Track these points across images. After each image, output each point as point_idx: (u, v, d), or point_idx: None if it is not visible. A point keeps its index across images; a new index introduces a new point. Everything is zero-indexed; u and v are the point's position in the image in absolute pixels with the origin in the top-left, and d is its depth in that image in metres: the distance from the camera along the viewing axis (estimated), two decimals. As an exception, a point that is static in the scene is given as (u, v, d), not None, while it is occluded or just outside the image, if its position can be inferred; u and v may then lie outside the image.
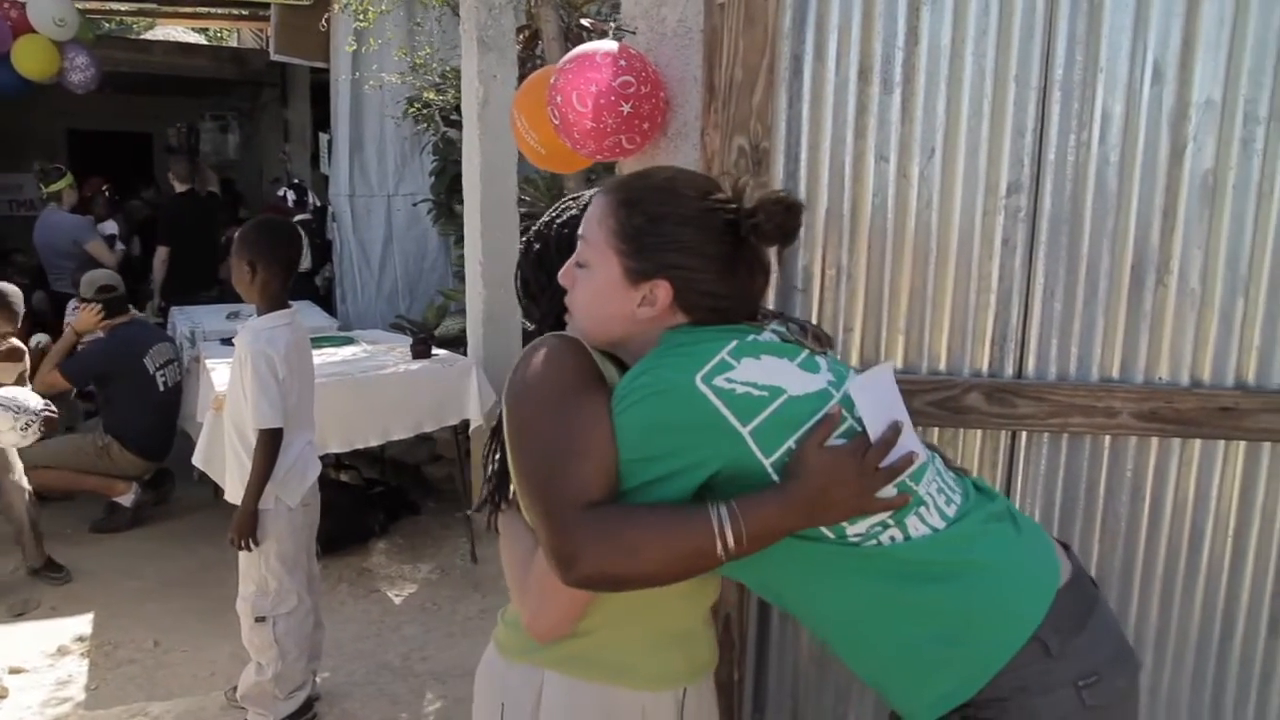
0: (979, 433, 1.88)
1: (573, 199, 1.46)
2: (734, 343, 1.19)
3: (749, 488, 1.15)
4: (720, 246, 1.23)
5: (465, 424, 4.33)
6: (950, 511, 1.23)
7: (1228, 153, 1.79)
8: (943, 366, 1.88)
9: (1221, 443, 1.86)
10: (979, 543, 1.23)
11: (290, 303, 2.84)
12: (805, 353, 1.24)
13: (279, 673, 2.77)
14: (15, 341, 3.99)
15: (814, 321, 1.70)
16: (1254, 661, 1.92)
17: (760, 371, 1.17)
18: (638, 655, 1.32)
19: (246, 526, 2.69)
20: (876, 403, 1.18)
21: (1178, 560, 1.90)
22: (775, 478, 1.15)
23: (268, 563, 2.75)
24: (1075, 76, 1.80)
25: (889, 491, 1.17)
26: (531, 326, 1.46)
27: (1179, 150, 1.79)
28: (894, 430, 1.18)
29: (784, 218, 1.23)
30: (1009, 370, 1.87)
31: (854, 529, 1.18)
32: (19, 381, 3.94)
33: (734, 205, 1.24)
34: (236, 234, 2.79)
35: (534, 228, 1.47)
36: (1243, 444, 1.86)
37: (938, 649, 1.19)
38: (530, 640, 1.32)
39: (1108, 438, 1.86)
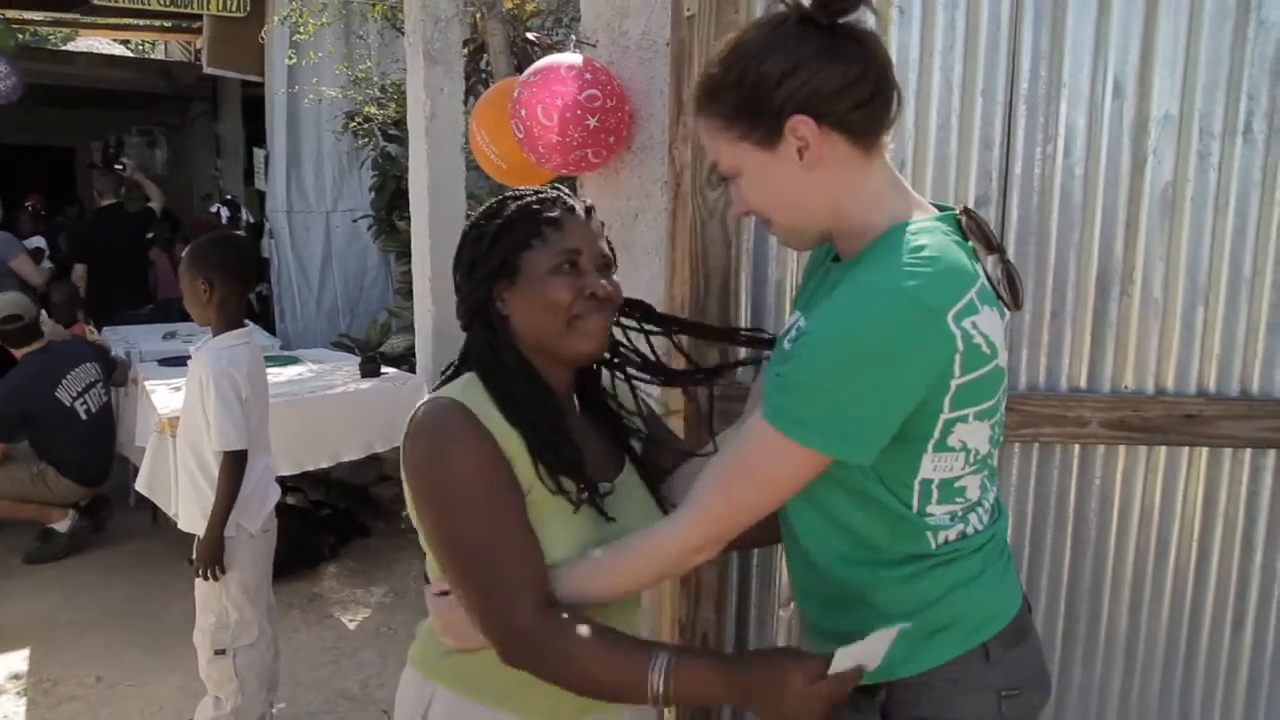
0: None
1: (502, 200, 1.34)
2: (978, 284, 1.12)
3: (908, 438, 1.12)
4: (813, 43, 1.13)
5: (415, 443, 4.25)
6: (986, 519, 1.27)
7: (1186, 166, 1.83)
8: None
9: (1185, 449, 1.90)
10: (991, 555, 1.27)
11: (245, 321, 2.76)
12: (1007, 316, 1.21)
13: (238, 706, 2.68)
14: None
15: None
16: (1220, 660, 1.96)
17: (991, 325, 1.11)
18: (525, 684, 1.22)
19: (212, 555, 2.59)
20: (855, 652, 1.09)
21: (1145, 565, 1.94)
22: (937, 432, 1.12)
23: (229, 593, 2.64)
24: (1040, 91, 1.83)
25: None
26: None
27: (1140, 163, 1.83)
28: (856, 674, 1.10)
29: None
30: (981, 381, 1.88)
31: (932, 509, 1.19)
32: None
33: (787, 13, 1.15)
34: (186, 251, 2.69)
35: (481, 212, 1.37)
36: (1205, 450, 1.90)
37: (920, 623, 1.18)
38: (430, 653, 1.34)
39: (1077, 446, 1.89)
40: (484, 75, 5.10)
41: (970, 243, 1.20)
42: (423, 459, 1.21)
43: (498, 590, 1.17)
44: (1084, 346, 1.87)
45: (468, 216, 4.90)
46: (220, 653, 2.65)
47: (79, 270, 6.58)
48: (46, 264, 6.90)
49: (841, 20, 1.13)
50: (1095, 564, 1.94)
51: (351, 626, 3.83)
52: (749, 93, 1.14)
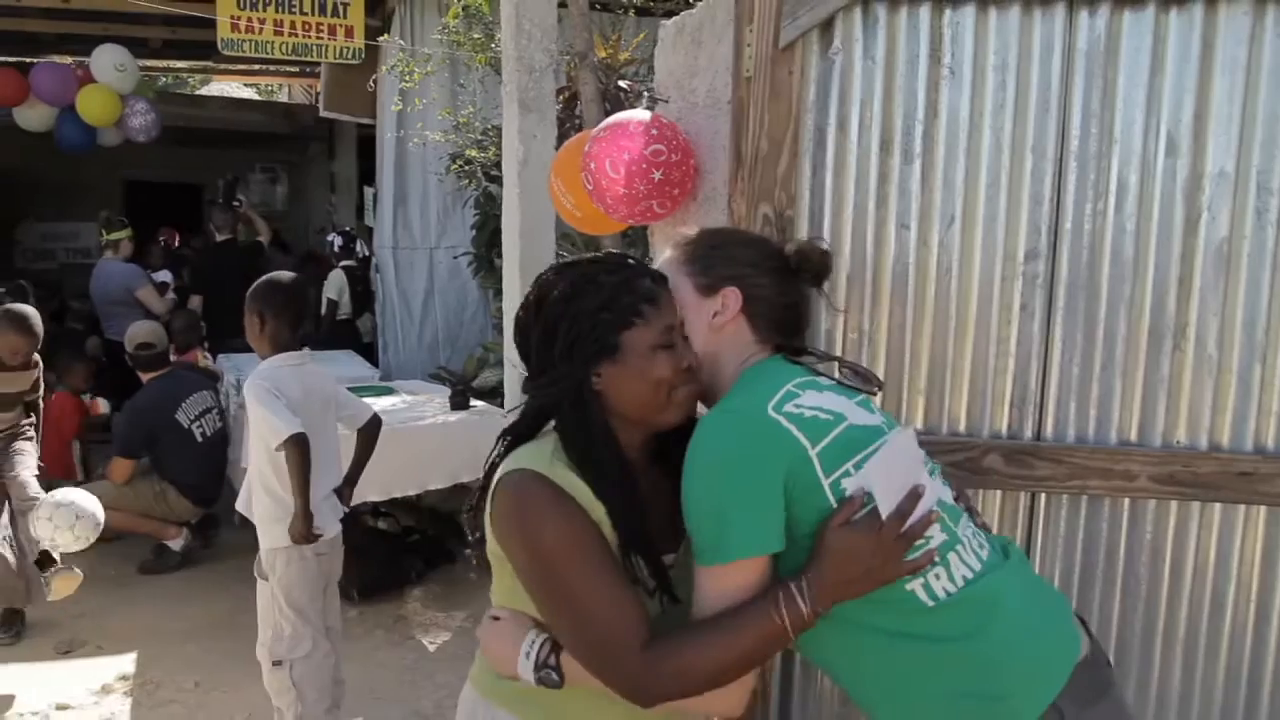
0: (998, 494, 1.91)
1: (582, 273, 1.36)
2: (799, 378, 1.35)
3: (806, 510, 1.26)
4: (774, 263, 1.48)
5: (502, 474, 4.38)
6: (984, 555, 1.32)
7: (1242, 222, 1.83)
8: (962, 428, 1.93)
9: (1242, 507, 1.88)
10: (1012, 595, 1.30)
11: (305, 349, 2.97)
12: (861, 395, 1.41)
13: (299, 715, 2.82)
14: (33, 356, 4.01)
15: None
16: (1279, 725, 1.92)
17: (824, 400, 1.32)
18: (588, 708, 1.35)
19: (303, 527, 2.75)
20: (889, 473, 1.26)
21: (1199, 624, 1.91)
22: (830, 496, 1.26)
23: (280, 607, 2.82)
24: (1091, 148, 1.85)
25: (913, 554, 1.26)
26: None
27: (1194, 220, 1.84)
28: (912, 499, 1.25)
29: (819, 256, 1.52)
30: (1028, 432, 1.91)
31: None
32: (28, 392, 4.01)
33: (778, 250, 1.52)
34: (249, 290, 2.90)
35: (556, 292, 1.36)
36: (1263, 508, 1.87)
37: (976, 704, 1.24)
38: (490, 675, 1.41)
39: (1126, 500, 1.89)
40: (577, 121, 5.28)
41: (797, 362, 1.45)
42: (521, 530, 1.29)
43: (608, 645, 1.24)
44: (1134, 400, 1.88)
45: (559, 256, 5.06)
46: (278, 664, 2.83)
47: (195, 301, 7.00)
48: (171, 295, 7.37)
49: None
50: (1146, 619, 1.92)
51: (431, 649, 3.97)
52: (715, 257, 1.47)
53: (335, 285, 7.11)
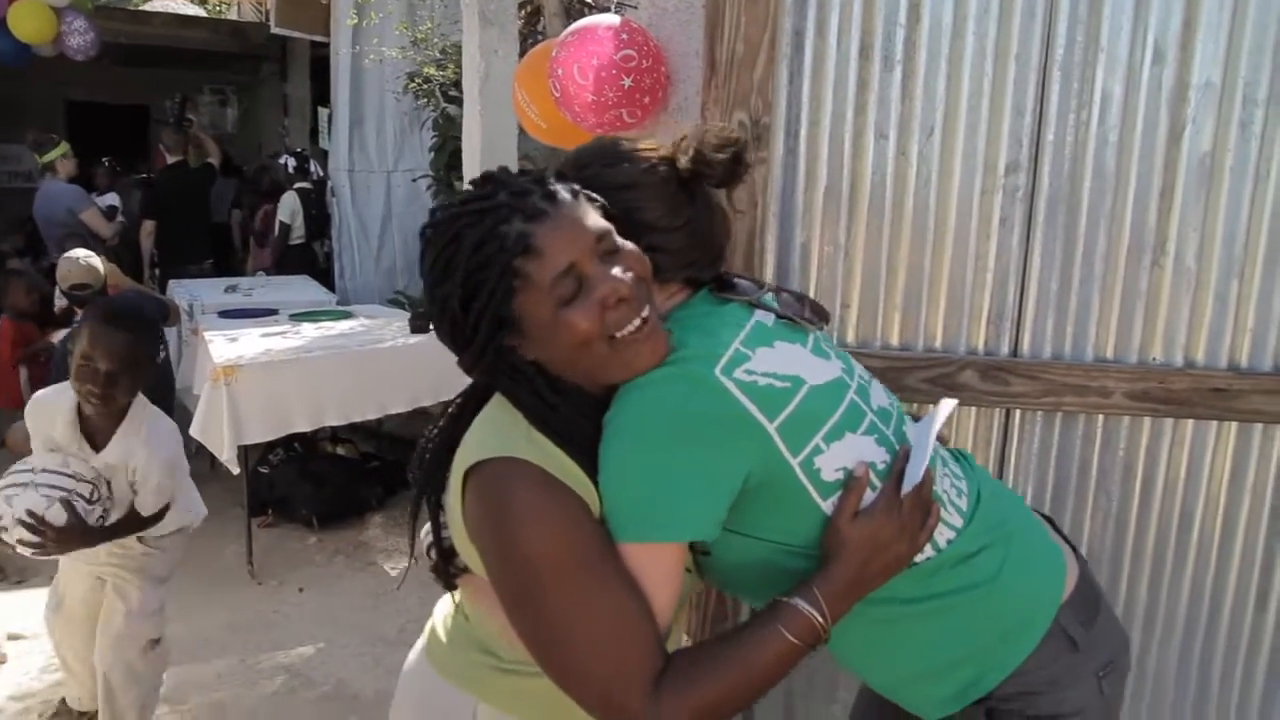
0: (973, 410, 1.89)
1: (450, 223, 1.08)
2: (744, 329, 1.12)
3: (779, 499, 1.10)
4: (663, 203, 1.16)
5: (463, 399, 4.33)
6: (963, 505, 1.23)
7: (1226, 134, 1.79)
8: (938, 344, 1.90)
9: (1213, 423, 1.87)
10: (993, 538, 1.23)
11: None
12: (812, 336, 1.20)
13: (144, 706, 2.60)
14: None
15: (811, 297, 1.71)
16: (1240, 637, 1.95)
17: (778, 360, 1.10)
18: (576, 709, 1.10)
19: None
20: (923, 445, 1.15)
21: (1168, 539, 1.92)
22: (803, 479, 1.10)
23: (167, 582, 2.63)
24: (1075, 57, 1.80)
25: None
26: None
27: (1177, 132, 1.80)
28: (928, 476, 1.14)
29: (721, 147, 1.15)
30: (1004, 349, 1.88)
31: None
32: None
33: (667, 158, 1.17)
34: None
35: (429, 262, 1.09)
36: (1234, 425, 1.87)
37: (960, 650, 1.20)
38: (469, 663, 1.20)
39: (1101, 417, 1.88)
40: (539, 37, 5.13)
41: (728, 299, 1.18)
42: (501, 532, 1.04)
43: (608, 682, 1.02)
44: (1111, 317, 1.86)
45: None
46: (157, 642, 2.59)
47: (148, 226, 6.77)
48: (120, 219, 7.12)
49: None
50: (1116, 535, 1.93)
51: (393, 574, 3.95)
52: (587, 180, 1.14)
53: (288, 208, 6.91)
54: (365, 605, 3.64)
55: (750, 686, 1.05)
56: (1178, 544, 1.92)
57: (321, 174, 7.31)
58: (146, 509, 2.44)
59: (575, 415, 1.08)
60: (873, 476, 1.13)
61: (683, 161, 1.16)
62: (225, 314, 4.98)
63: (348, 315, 4.94)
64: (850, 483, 1.11)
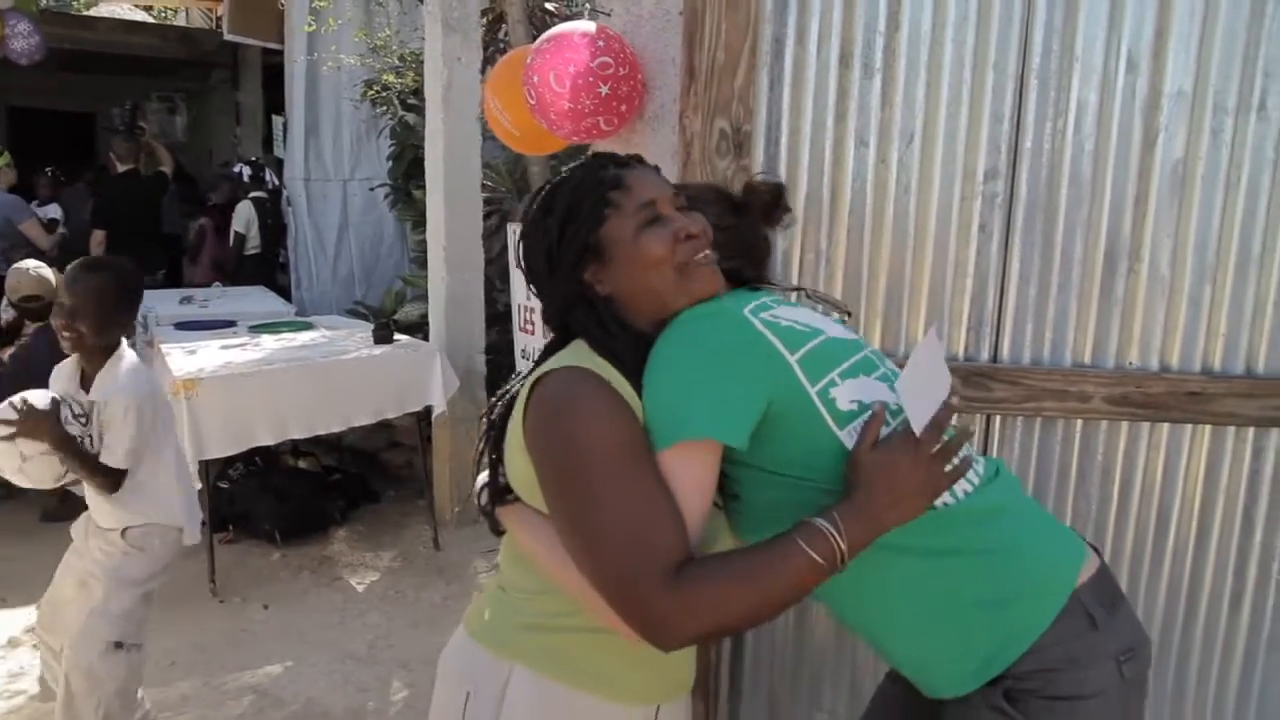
0: (954, 416, 1.89)
1: (551, 187, 1.32)
2: (769, 296, 1.30)
3: (798, 427, 1.18)
4: (716, 212, 1.39)
5: (428, 410, 4.29)
6: (981, 469, 1.28)
7: (1198, 142, 1.83)
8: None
9: (1189, 426, 1.90)
10: (1013, 503, 1.28)
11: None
12: (835, 315, 1.37)
13: (108, 715, 2.47)
14: None
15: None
16: (1216, 637, 1.98)
17: (801, 314, 1.26)
18: (615, 666, 1.25)
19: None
20: (918, 383, 1.18)
21: (1145, 541, 1.95)
22: (820, 405, 1.18)
23: (143, 589, 2.52)
24: (1052, 65, 1.82)
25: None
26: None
27: (1151, 140, 1.83)
28: (946, 411, 1.18)
29: (768, 190, 1.46)
30: (984, 354, 1.90)
31: None
32: None
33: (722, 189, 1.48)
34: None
35: (533, 206, 1.34)
36: (1208, 427, 1.90)
37: (981, 612, 1.21)
38: (504, 627, 1.29)
39: (1080, 422, 1.90)
40: (502, 45, 5.10)
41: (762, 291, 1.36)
42: (556, 423, 1.15)
43: (627, 565, 1.08)
44: (1089, 322, 1.88)
45: (484, 186, 4.92)
46: (119, 646, 2.46)
47: (98, 236, 6.61)
48: (62, 231, 6.94)
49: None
50: (1095, 538, 1.94)
51: (360, 589, 3.88)
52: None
53: (243, 218, 6.80)
54: (332, 622, 3.57)
55: (765, 597, 1.09)
56: (1155, 546, 1.95)
57: (277, 183, 7.21)
58: (107, 454, 2.42)
59: (631, 345, 1.22)
60: (888, 416, 1.20)
61: (734, 188, 1.47)
62: (181, 326, 4.88)
63: (309, 326, 4.86)
64: (869, 417, 1.19)
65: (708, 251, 1.26)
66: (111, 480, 2.43)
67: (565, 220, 1.24)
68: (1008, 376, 1.87)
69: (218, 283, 6.91)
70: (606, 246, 1.23)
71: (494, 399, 1.36)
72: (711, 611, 1.08)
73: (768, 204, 1.46)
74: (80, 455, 2.39)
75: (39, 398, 2.33)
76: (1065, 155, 1.84)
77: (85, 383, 2.51)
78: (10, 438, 2.31)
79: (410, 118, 6.18)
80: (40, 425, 2.31)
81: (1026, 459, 1.93)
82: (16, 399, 2.32)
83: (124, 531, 2.50)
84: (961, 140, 1.85)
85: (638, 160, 1.31)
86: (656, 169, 1.32)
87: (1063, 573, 1.24)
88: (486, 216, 4.89)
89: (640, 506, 1.10)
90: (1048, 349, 1.89)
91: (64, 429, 2.35)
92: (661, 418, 1.16)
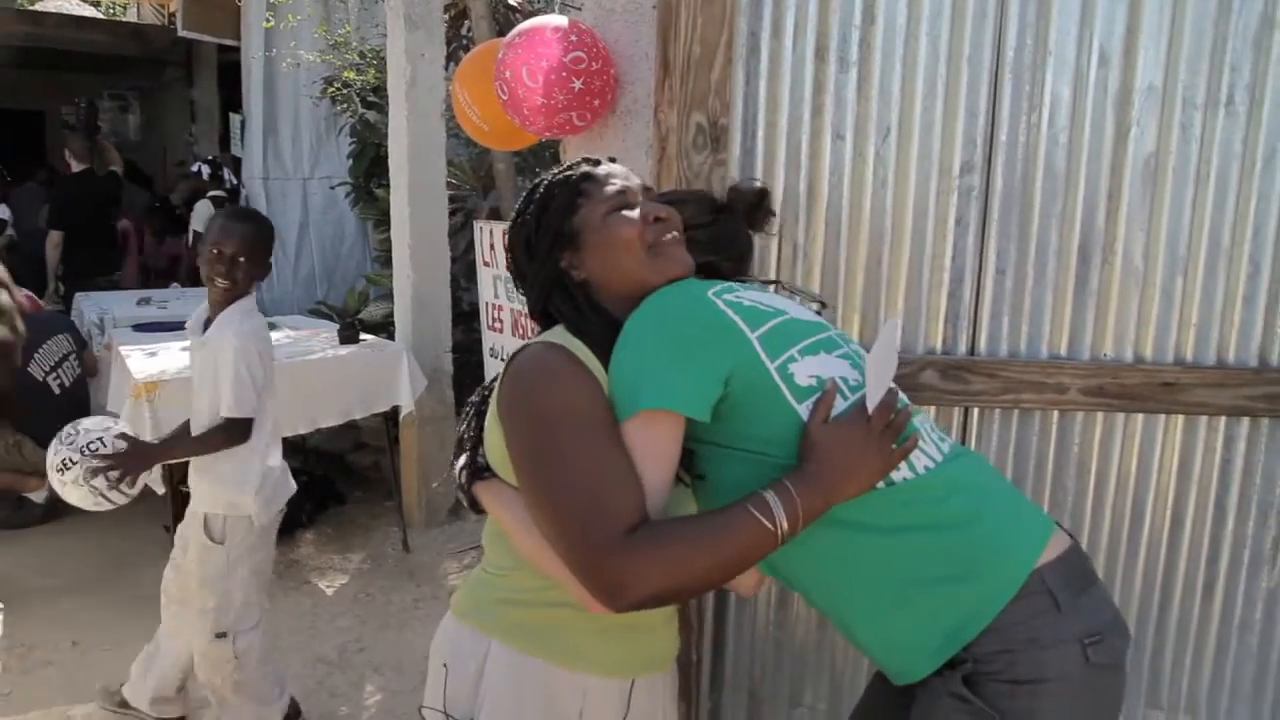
0: (933, 409, 1.90)
1: (532, 187, 1.42)
2: (740, 284, 1.34)
3: (758, 404, 1.22)
4: (697, 211, 1.48)
5: (395, 411, 4.24)
6: (944, 447, 1.30)
7: (1168, 137, 1.85)
8: (897, 344, 1.90)
9: (1162, 417, 1.92)
10: (975, 479, 1.29)
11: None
12: (811, 308, 1.41)
13: (239, 684, 2.63)
14: None
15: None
16: (1190, 626, 2.00)
17: (765, 297, 1.31)
18: (585, 639, 1.30)
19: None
20: (879, 364, 1.24)
21: (1120, 532, 1.96)
22: (778, 380, 1.22)
23: (237, 576, 2.58)
24: (1026, 59, 1.83)
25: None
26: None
27: (1123, 134, 1.84)
28: (892, 393, 1.23)
29: (752, 194, 1.52)
30: (962, 347, 1.91)
31: None
32: None
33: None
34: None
35: (520, 205, 1.43)
36: (1181, 418, 1.92)
37: (941, 588, 1.21)
38: (482, 603, 1.35)
39: (1057, 413, 1.91)
40: (465, 41, 5.06)
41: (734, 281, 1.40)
42: (525, 392, 1.22)
43: (586, 525, 1.12)
44: (1065, 314, 1.89)
45: (449, 183, 4.87)
46: (222, 635, 2.59)
47: (55, 237, 6.46)
48: (10, 233, 6.77)
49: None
50: (1072, 529, 1.93)
51: (329, 593, 3.82)
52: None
53: (201, 217, 6.69)
54: (302, 626, 3.52)
55: (717, 560, 1.14)
56: (1129, 538, 1.97)
57: (235, 182, 7.11)
58: (226, 405, 2.51)
59: (604, 327, 1.28)
60: (844, 389, 1.24)
61: (718, 192, 1.53)
62: (140, 328, 4.77)
63: (273, 327, 4.77)
64: (822, 393, 1.23)
65: (675, 233, 1.33)
66: (233, 432, 2.53)
67: (541, 211, 1.35)
68: (985, 369, 1.88)
69: (175, 284, 6.80)
70: (580, 232, 1.32)
71: (479, 389, 1.43)
72: (663, 573, 1.11)
73: (752, 206, 1.51)
74: (188, 445, 2.56)
75: (112, 429, 2.50)
76: (1040, 149, 1.85)
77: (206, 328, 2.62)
78: (118, 481, 2.46)
79: (371, 115, 6.11)
80: (142, 459, 2.52)
81: (1004, 451, 1.94)
82: (93, 437, 2.49)
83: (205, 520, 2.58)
84: (938, 134, 1.85)
85: (611, 160, 1.41)
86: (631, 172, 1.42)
87: (1023, 550, 1.24)
88: (451, 214, 4.84)
89: (597, 470, 1.15)
90: (1024, 341, 1.90)
91: (159, 449, 2.65)
92: (623, 389, 1.21)
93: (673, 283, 1.30)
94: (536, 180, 1.41)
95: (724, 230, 1.49)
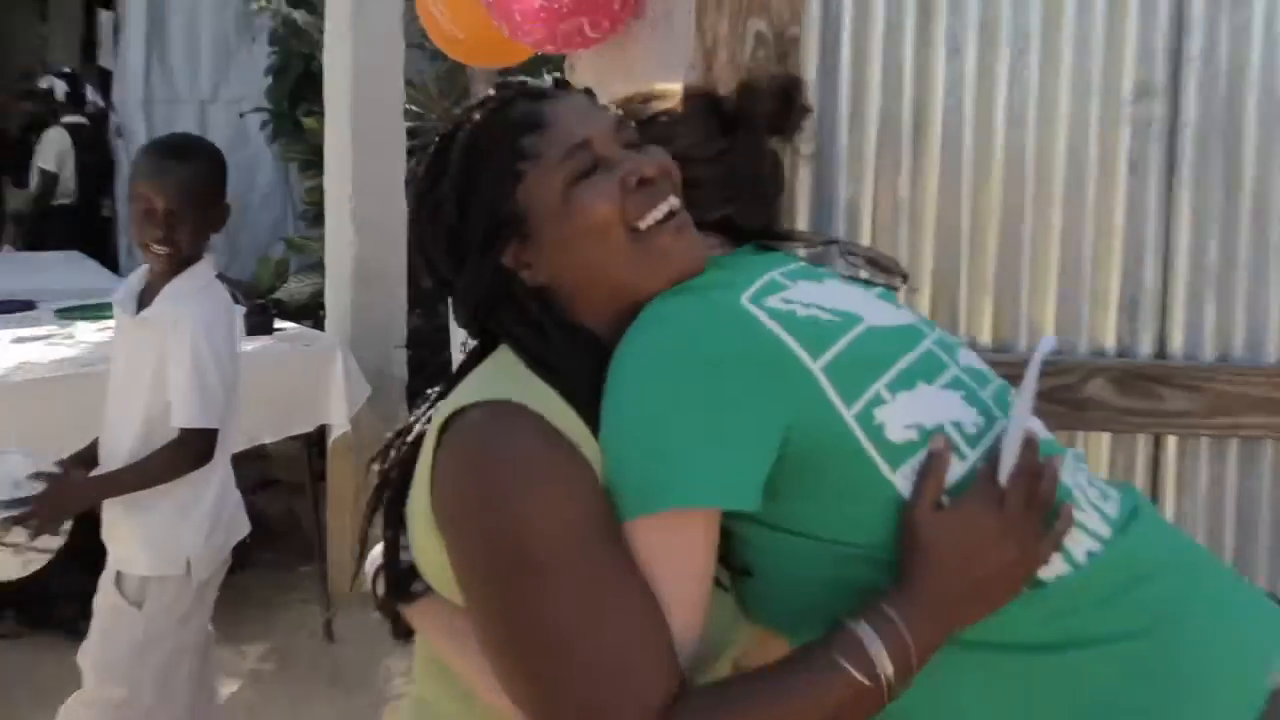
0: (1105, 436, 1.91)
1: (439, 143, 1.27)
2: (787, 265, 1.25)
3: (832, 469, 1.13)
4: (695, 132, 1.35)
5: (321, 432, 4.26)
6: (1110, 511, 1.22)
7: None
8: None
9: None
10: (1166, 557, 1.23)
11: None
12: (879, 288, 1.33)
13: None
14: None
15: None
16: None
17: (825, 294, 1.20)
18: None
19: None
20: (1021, 412, 1.15)
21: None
22: (860, 436, 1.12)
23: (156, 654, 2.56)
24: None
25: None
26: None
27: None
28: (1031, 448, 1.13)
29: (775, 87, 1.37)
30: (1146, 348, 1.91)
31: None
32: None
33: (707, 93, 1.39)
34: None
35: (420, 171, 1.30)
36: None
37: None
38: (440, 693, 1.29)
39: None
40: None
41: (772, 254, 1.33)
42: (478, 498, 1.10)
43: (606, 704, 1.05)
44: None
45: (408, 111, 4.91)
46: None
47: None
48: None
49: None
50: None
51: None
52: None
53: (53, 150, 6.82)
54: None
55: None
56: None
57: (102, 104, 7.21)
58: (182, 412, 2.51)
59: (578, 354, 1.17)
60: (960, 442, 1.15)
61: (723, 92, 1.33)
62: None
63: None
64: (927, 458, 1.12)
65: (674, 202, 1.21)
66: (196, 450, 2.53)
67: (465, 184, 1.20)
68: (1185, 379, 1.87)
69: (6, 246, 6.91)
70: (528, 216, 1.19)
71: (392, 436, 1.31)
72: None
73: (776, 108, 1.36)
74: (138, 473, 2.55)
75: (20, 466, 2.49)
76: (1251, 61, 1.85)
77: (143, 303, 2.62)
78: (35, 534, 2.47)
79: (299, 16, 6.19)
80: (66, 501, 2.53)
81: (1219, 498, 1.93)
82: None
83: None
84: (1099, 44, 1.86)
85: (561, 86, 1.27)
86: (589, 93, 1.28)
87: (1250, 661, 1.20)
88: (410, 154, 4.88)
89: (603, 619, 1.06)
90: (1240, 339, 1.90)
91: (95, 482, 2.60)
92: (631, 476, 1.11)
93: (679, 284, 1.20)
94: (446, 125, 1.27)
95: (742, 159, 1.37)
